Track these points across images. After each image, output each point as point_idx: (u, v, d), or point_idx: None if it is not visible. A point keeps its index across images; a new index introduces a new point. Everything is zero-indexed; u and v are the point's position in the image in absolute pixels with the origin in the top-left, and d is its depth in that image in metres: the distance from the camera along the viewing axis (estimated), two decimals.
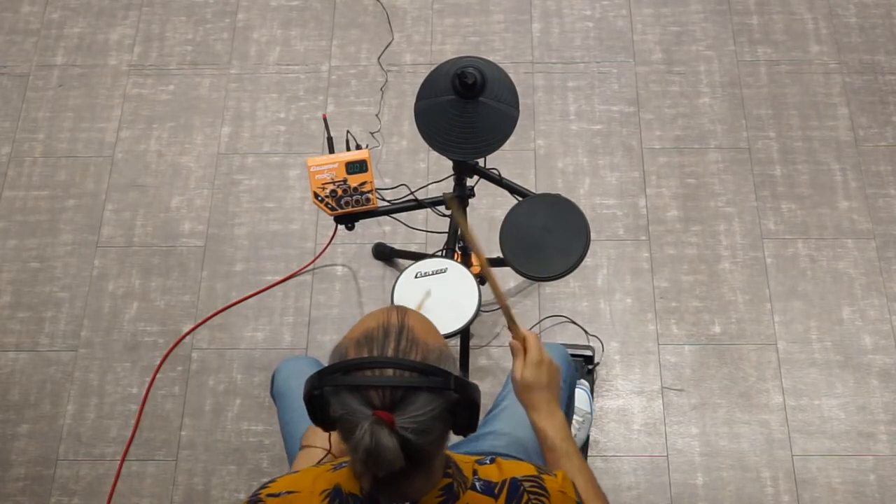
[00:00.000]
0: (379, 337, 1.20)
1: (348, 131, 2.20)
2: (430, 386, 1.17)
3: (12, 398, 2.52)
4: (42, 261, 2.70)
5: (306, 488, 1.32)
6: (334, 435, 1.62)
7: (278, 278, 2.64)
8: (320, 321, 2.59)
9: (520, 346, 1.53)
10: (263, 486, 1.34)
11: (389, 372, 1.16)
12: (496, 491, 1.31)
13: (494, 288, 1.57)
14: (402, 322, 1.22)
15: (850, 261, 2.63)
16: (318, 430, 1.63)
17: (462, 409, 1.20)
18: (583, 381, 2.40)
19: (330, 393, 1.19)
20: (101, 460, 2.44)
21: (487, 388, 2.44)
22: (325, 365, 1.22)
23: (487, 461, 1.37)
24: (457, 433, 1.24)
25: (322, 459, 1.63)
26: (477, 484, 1.31)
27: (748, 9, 3.02)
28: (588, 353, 2.45)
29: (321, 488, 1.30)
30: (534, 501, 1.31)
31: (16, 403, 2.52)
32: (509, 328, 1.55)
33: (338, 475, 1.31)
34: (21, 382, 2.54)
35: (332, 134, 2.08)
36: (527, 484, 1.32)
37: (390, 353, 1.18)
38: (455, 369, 1.22)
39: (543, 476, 1.35)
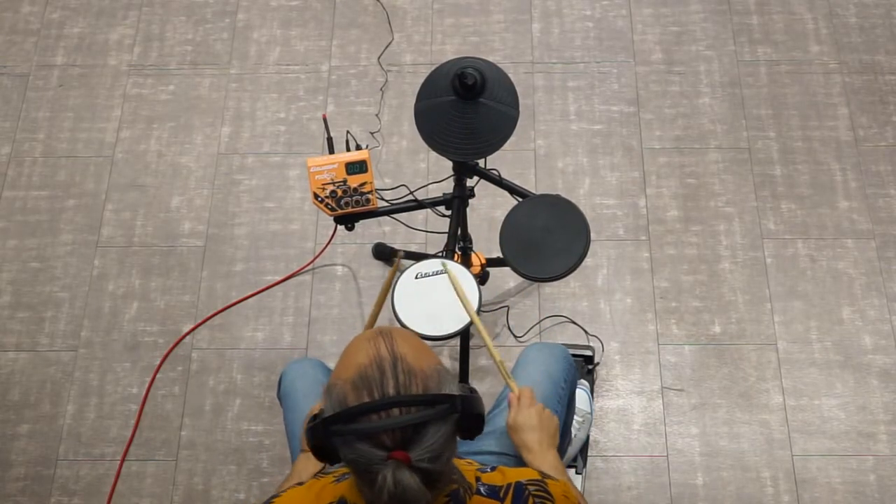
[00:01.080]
0: (375, 376, 1.15)
1: (348, 131, 2.20)
2: (439, 416, 1.15)
3: (12, 398, 2.52)
4: (42, 261, 2.70)
5: (312, 501, 1.31)
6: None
7: (278, 278, 2.65)
8: (320, 321, 2.59)
9: (515, 398, 1.68)
10: (269, 501, 1.34)
11: (396, 412, 1.13)
12: (501, 494, 1.31)
13: (487, 345, 1.80)
14: (393, 353, 1.17)
15: (850, 261, 2.63)
16: (310, 459, 1.63)
17: (468, 423, 1.20)
18: (583, 381, 2.40)
19: (339, 442, 1.16)
20: (101, 460, 2.44)
21: (487, 388, 2.44)
22: (330, 369, 1.21)
23: (489, 469, 1.37)
24: (464, 438, 1.24)
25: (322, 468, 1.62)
26: (482, 488, 1.31)
27: (748, 9, 3.02)
28: (588, 353, 2.45)
29: (326, 501, 1.30)
30: None
31: (16, 403, 2.52)
32: (506, 384, 1.73)
33: (342, 487, 1.30)
34: (21, 382, 2.54)
35: (332, 134, 2.07)
36: (531, 487, 1.33)
37: (391, 391, 1.14)
38: (454, 386, 1.20)
39: (547, 480, 1.36)
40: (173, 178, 2.81)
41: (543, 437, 1.61)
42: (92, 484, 2.41)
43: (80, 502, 2.39)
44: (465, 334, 2.26)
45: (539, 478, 1.35)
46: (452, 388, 1.19)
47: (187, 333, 2.58)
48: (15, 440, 2.47)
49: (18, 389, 2.54)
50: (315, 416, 1.20)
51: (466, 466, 1.36)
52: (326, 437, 1.16)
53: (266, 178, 2.80)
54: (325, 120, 2.06)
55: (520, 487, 1.32)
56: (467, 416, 1.18)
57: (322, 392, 1.21)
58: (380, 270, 2.65)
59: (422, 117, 1.90)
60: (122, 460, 2.43)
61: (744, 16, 3.00)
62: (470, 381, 2.30)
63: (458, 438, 1.22)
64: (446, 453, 1.17)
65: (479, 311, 1.93)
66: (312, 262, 2.66)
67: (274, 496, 1.36)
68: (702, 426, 2.43)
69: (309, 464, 1.62)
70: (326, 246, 2.61)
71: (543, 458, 1.59)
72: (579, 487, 2.28)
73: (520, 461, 1.75)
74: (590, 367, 2.45)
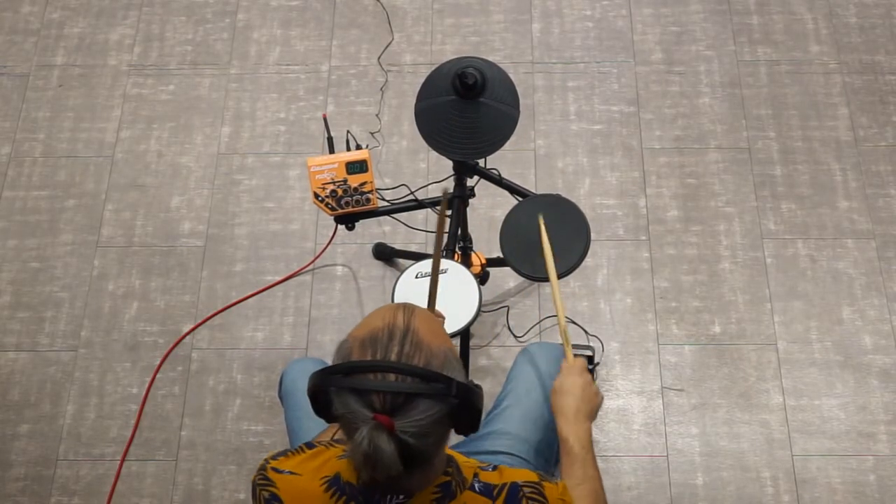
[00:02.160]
0: (383, 339, 1.19)
1: (348, 131, 2.20)
2: (432, 393, 1.16)
3: (12, 398, 2.52)
4: (42, 261, 2.70)
5: (309, 472, 1.33)
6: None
7: (278, 278, 2.65)
8: (320, 321, 2.59)
9: (567, 365, 1.68)
10: (275, 457, 1.36)
11: (391, 377, 1.16)
12: (495, 493, 1.31)
13: (558, 309, 1.77)
14: (408, 324, 1.21)
15: (850, 261, 2.63)
16: (330, 431, 1.66)
17: (463, 413, 1.20)
18: None
19: (333, 392, 1.19)
20: (101, 460, 2.44)
21: (488, 389, 2.43)
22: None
23: (490, 468, 1.37)
24: (458, 433, 1.24)
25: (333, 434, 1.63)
26: (476, 485, 1.32)
27: (748, 9, 3.02)
28: (588, 353, 2.45)
29: (323, 474, 1.32)
30: None
31: (16, 403, 2.52)
32: (564, 351, 1.73)
33: (341, 464, 1.32)
34: (21, 382, 2.54)
35: (332, 134, 2.07)
36: (527, 489, 1.33)
37: (393, 357, 1.17)
38: (460, 373, 1.22)
39: (544, 483, 1.36)
40: (173, 178, 2.81)
41: (581, 406, 1.60)
42: (92, 484, 2.41)
43: (80, 502, 2.39)
44: (465, 334, 2.26)
45: (536, 480, 1.35)
46: (456, 375, 1.20)
47: (187, 333, 2.58)
48: (15, 440, 2.47)
49: (18, 389, 2.53)
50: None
51: (467, 462, 1.36)
52: (324, 385, 1.19)
53: (266, 178, 2.80)
54: (325, 119, 2.06)
55: (515, 488, 1.32)
56: (463, 405, 1.19)
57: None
58: (380, 270, 2.65)
59: (422, 117, 1.90)
60: (122, 460, 2.43)
61: (744, 16, 3.00)
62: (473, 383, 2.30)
63: (451, 430, 1.23)
64: (433, 436, 1.18)
65: (479, 312, 1.93)
66: (312, 262, 2.66)
67: (282, 453, 1.38)
68: (702, 426, 2.43)
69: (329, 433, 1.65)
70: (326, 246, 2.61)
71: (576, 426, 1.58)
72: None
73: (521, 462, 1.75)
74: (590, 367, 2.45)
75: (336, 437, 1.61)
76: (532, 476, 1.36)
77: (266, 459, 1.35)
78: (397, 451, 1.13)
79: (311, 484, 1.31)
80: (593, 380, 1.66)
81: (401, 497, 1.27)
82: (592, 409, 1.63)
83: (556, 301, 1.77)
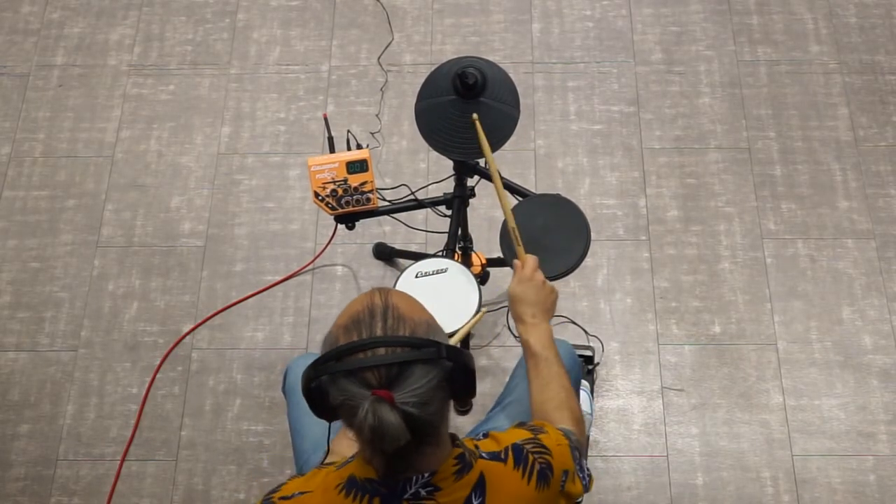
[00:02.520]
0: (365, 319, 1.22)
1: (349, 131, 2.20)
2: (424, 358, 1.18)
3: (12, 398, 2.52)
4: (42, 261, 2.70)
5: (318, 486, 1.32)
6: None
7: (278, 278, 2.64)
8: (320, 321, 2.59)
9: (519, 265, 1.73)
10: (274, 491, 1.35)
11: (381, 351, 1.18)
12: (503, 456, 1.34)
13: (505, 210, 1.80)
14: (386, 302, 1.24)
15: (850, 261, 2.63)
16: (344, 439, 1.66)
17: (458, 376, 1.22)
18: (583, 381, 2.40)
19: (327, 382, 1.20)
20: (101, 460, 2.44)
21: (488, 389, 2.44)
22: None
23: (481, 436, 1.40)
24: (456, 399, 1.26)
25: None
26: (483, 454, 1.34)
27: (748, 9, 3.02)
28: (588, 353, 2.45)
29: (334, 483, 1.31)
30: (539, 459, 1.35)
31: (16, 403, 2.52)
32: (514, 251, 1.77)
33: (347, 469, 1.31)
34: (21, 382, 2.54)
35: (333, 133, 2.07)
36: (528, 446, 1.37)
37: (379, 332, 1.20)
38: (445, 339, 1.24)
39: (539, 436, 1.40)
40: (173, 178, 2.81)
41: (537, 311, 1.66)
42: (92, 484, 2.41)
43: (80, 502, 2.39)
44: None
45: (531, 435, 1.39)
46: (443, 340, 1.23)
47: (187, 333, 2.58)
48: (15, 440, 2.47)
49: (18, 389, 2.53)
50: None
51: (466, 440, 1.38)
52: (317, 376, 1.21)
53: (266, 178, 2.80)
54: (325, 119, 2.06)
55: (517, 447, 1.36)
56: (456, 367, 1.21)
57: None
58: (380, 270, 2.65)
59: (422, 117, 1.90)
60: (122, 460, 2.43)
61: (744, 16, 3.00)
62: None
63: (450, 399, 1.24)
64: (434, 404, 1.20)
65: (478, 311, 1.93)
66: (312, 261, 2.66)
67: (277, 487, 1.37)
68: (702, 426, 2.43)
69: (343, 443, 1.66)
70: (326, 246, 2.61)
71: (534, 328, 1.64)
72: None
73: None
74: (590, 367, 2.45)
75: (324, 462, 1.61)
76: (525, 433, 1.40)
77: (266, 496, 1.34)
78: (402, 420, 1.14)
79: (327, 495, 1.30)
80: (544, 282, 1.71)
81: (426, 475, 1.27)
82: (548, 308, 1.69)
83: (501, 200, 1.80)
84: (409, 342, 1.19)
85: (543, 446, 1.38)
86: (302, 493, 1.32)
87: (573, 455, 1.43)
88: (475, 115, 1.82)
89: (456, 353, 1.22)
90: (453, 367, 1.21)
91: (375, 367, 1.16)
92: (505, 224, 1.82)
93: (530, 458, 1.35)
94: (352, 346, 1.19)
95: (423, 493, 1.27)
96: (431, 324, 1.26)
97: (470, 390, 1.26)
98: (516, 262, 1.75)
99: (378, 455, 1.24)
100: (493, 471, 1.32)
